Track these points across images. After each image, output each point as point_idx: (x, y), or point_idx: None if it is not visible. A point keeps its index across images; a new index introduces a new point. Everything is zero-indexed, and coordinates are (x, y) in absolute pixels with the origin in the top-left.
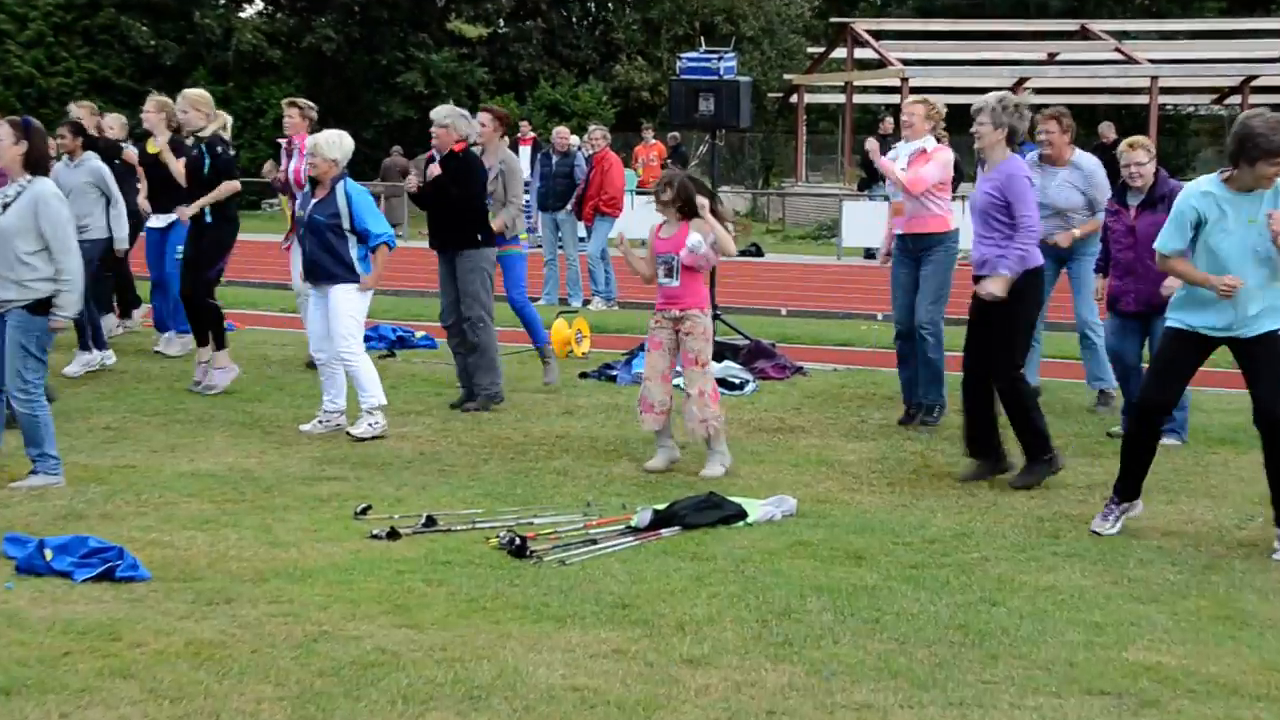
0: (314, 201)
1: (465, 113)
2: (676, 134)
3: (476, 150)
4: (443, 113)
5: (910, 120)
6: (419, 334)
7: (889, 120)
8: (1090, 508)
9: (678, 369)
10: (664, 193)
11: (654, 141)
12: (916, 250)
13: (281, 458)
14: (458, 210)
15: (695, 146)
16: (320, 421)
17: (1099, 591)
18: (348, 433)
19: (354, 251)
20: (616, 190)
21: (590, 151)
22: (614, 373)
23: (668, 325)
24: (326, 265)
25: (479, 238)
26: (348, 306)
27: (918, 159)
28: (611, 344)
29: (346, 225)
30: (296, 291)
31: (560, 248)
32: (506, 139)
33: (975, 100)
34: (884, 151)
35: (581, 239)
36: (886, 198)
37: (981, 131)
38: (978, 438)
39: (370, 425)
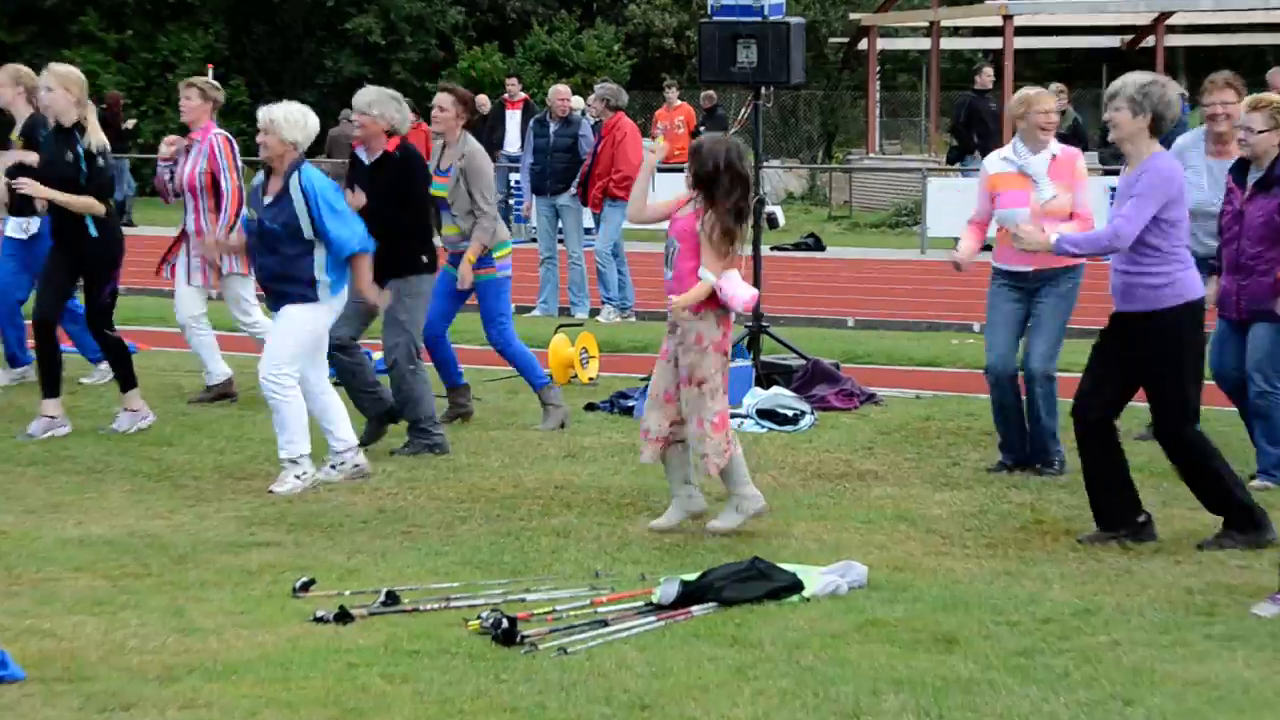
0: (266, 201)
1: (396, 95)
2: (711, 93)
3: (437, 143)
4: (366, 98)
5: (1045, 122)
6: (376, 356)
7: (988, 72)
8: (1256, 578)
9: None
10: (691, 160)
11: (680, 104)
12: (1035, 281)
13: (198, 518)
14: (395, 231)
15: (735, 110)
16: (333, 466)
17: (1268, 686)
18: (269, 490)
19: (320, 264)
20: (633, 168)
21: (598, 118)
22: (630, 403)
23: (673, 332)
24: (282, 287)
25: (423, 260)
26: (295, 327)
27: (1059, 174)
28: (626, 366)
29: (308, 232)
30: (181, 324)
31: (560, 242)
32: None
33: (1113, 84)
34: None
35: (588, 230)
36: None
37: (1118, 120)
38: (1108, 505)
39: (299, 478)
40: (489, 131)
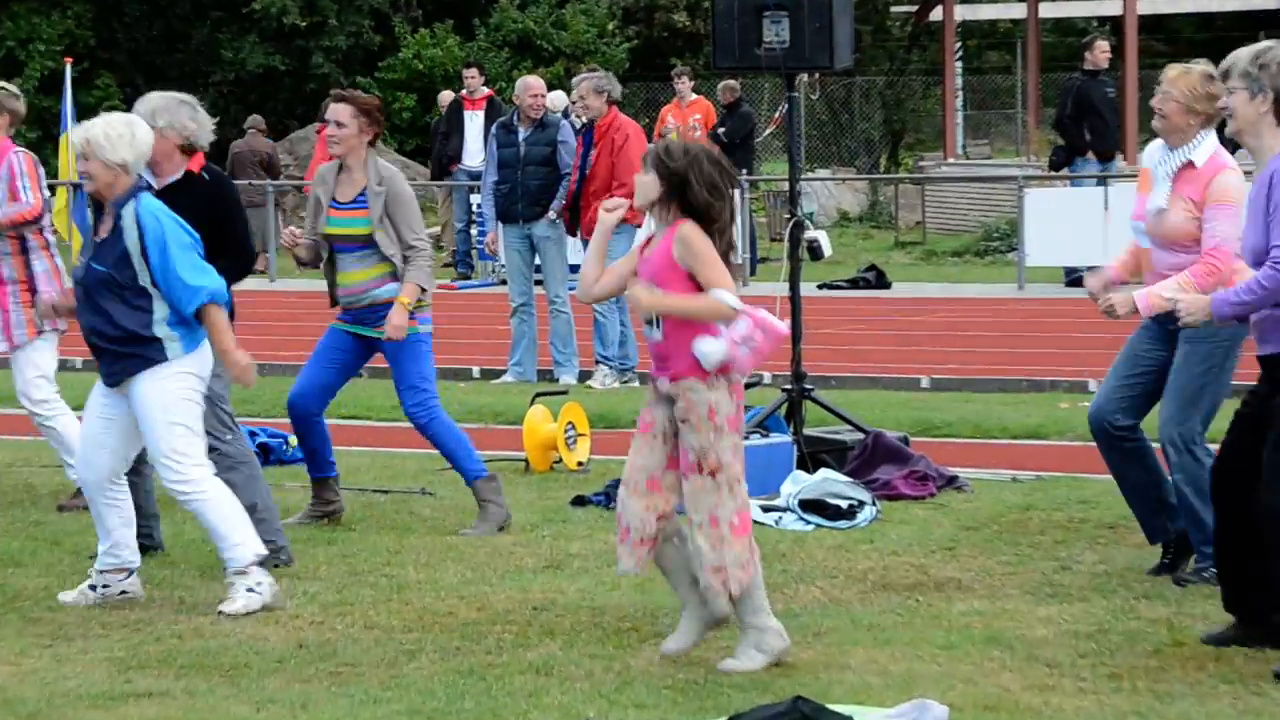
0: (97, 241)
1: (189, 100)
2: (733, 83)
3: (330, 165)
4: (149, 106)
5: (1165, 108)
6: (293, 439)
7: (1102, 46)
8: None
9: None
10: (645, 168)
11: (696, 98)
12: (1170, 321)
13: (56, 663)
14: None
15: (769, 105)
16: (92, 586)
17: None
18: (220, 611)
19: (160, 319)
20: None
21: (589, 117)
22: None
23: (661, 401)
24: (118, 349)
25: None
26: (158, 408)
27: (1184, 184)
28: (626, 446)
29: (143, 277)
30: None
31: (538, 284)
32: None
33: (1226, 59)
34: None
35: (575, 268)
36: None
37: (1233, 106)
38: (1242, 591)
39: (253, 591)
40: (442, 140)
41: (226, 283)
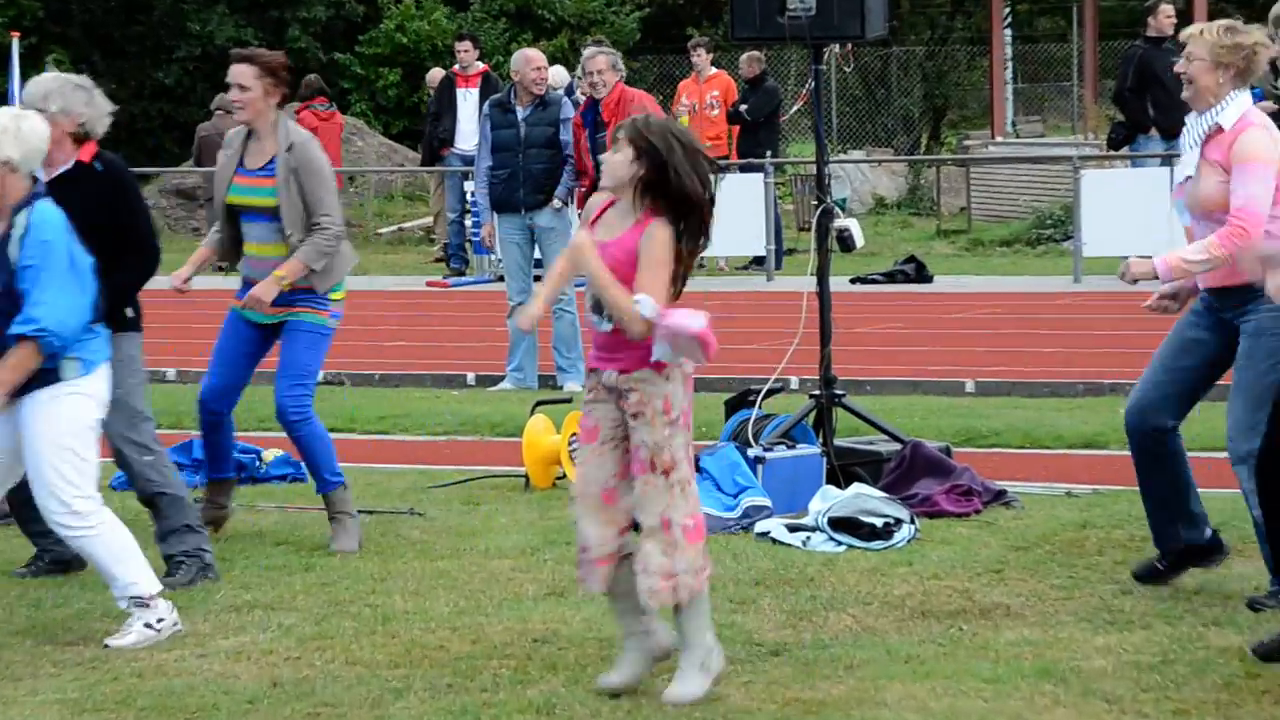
0: None
1: (84, 83)
2: (757, 54)
3: (238, 130)
4: (40, 90)
5: (1191, 70)
6: (267, 454)
7: (1167, 10)
8: None
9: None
10: (616, 145)
11: (716, 72)
12: (1227, 309)
13: (2, 706)
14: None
15: (795, 80)
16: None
17: None
18: (105, 644)
19: None
20: None
21: (600, 95)
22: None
23: (605, 399)
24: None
25: (129, 314)
26: (59, 426)
27: (1213, 149)
28: None
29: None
30: None
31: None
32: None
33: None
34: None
35: None
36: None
37: None
38: None
39: (150, 628)
40: (433, 121)
41: (131, 283)
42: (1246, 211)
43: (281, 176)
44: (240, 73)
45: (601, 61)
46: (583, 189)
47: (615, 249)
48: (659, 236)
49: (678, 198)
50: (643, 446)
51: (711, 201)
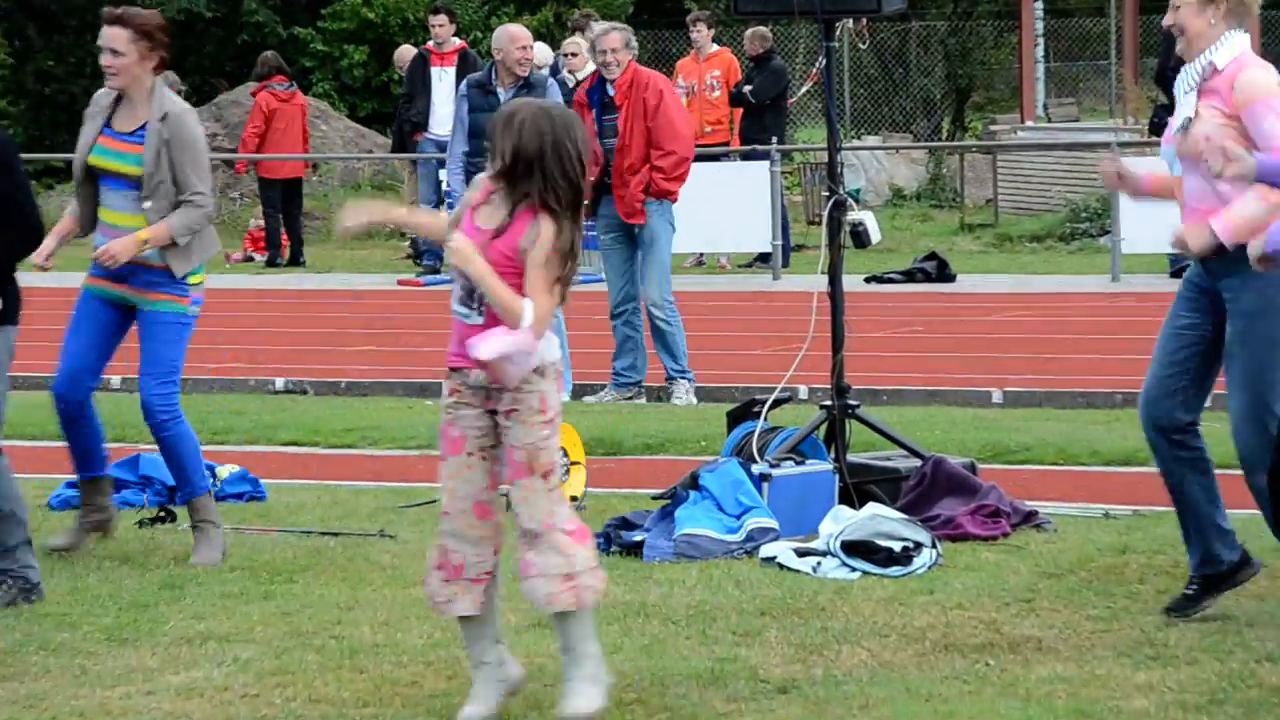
0: None
1: None
2: (763, 30)
3: (106, 92)
4: None
5: (1180, 18)
6: (222, 470)
7: None
8: None
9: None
10: (502, 134)
11: (717, 49)
12: (1221, 278)
13: None
14: None
15: (804, 58)
16: None
17: None
18: None
19: None
20: (686, 142)
21: (612, 75)
22: (637, 536)
23: (470, 402)
24: None
25: None
26: None
27: (1209, 91)
28: (633, 474)
29: None
30: None
31: None
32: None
33: None
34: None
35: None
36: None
37: None
38: None
39: None
40: (404, 103)
41: (8, 260)
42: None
43: (151, 146)
44: (113, 36)
45: (615, 39)
46: (590, 179)
47: (500, 241)
48: (550, 234)
49: (551, 193)
50: (519, 449)
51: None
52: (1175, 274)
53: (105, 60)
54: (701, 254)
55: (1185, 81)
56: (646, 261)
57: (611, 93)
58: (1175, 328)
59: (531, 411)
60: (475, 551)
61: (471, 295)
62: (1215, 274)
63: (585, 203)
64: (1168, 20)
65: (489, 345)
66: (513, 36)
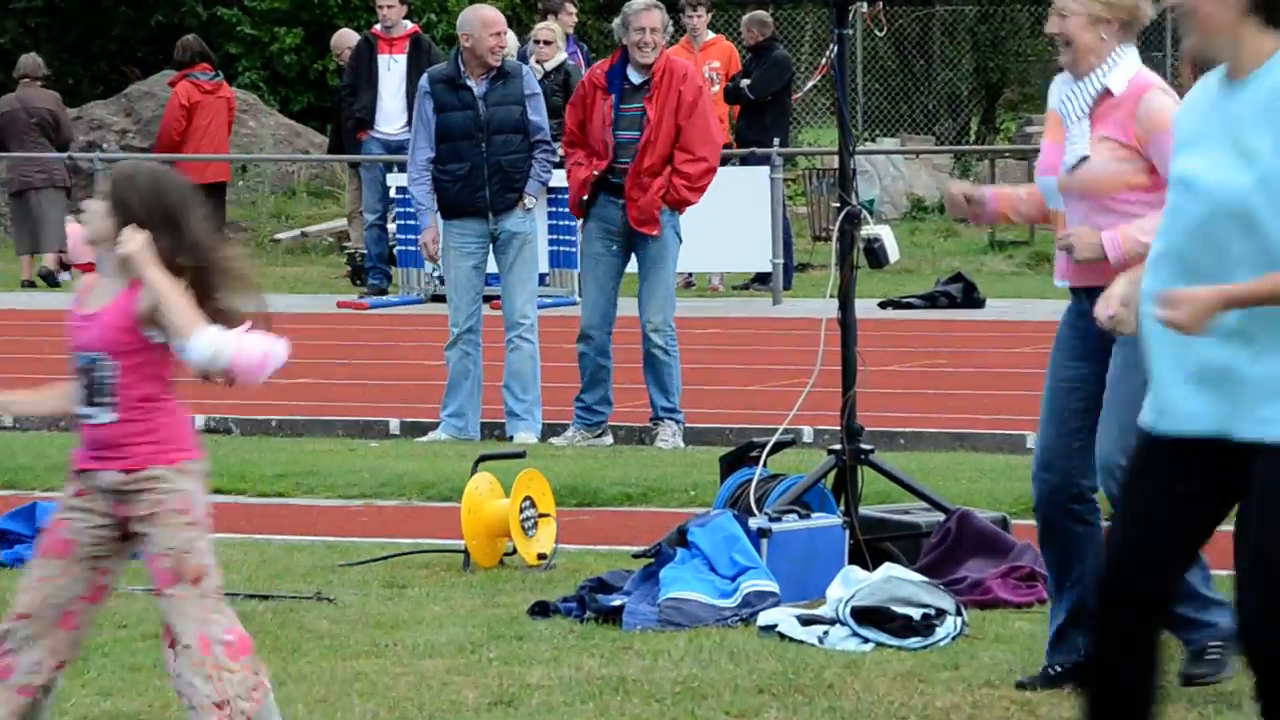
0: None
1: None
2: (762, 15)
3: None
4: None
5: (1066, 28)
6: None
7: None
8: None
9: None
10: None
11: (714, 38)
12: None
13: None
14: None
15: (810, 48)
16: None
17: None
18: None
19: None
20: (715, 151)
21: (647, 59)
22: (615, 600)
23: (93, 506)
24: None
25: None
26: None
27: (1104, 119)
28: (609, 528)
29: None
30: None
31: (489, 300)
32: None
33: None
34: None
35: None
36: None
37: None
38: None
39: None
40: (347, 97)
41: None
42: None
43: None
44: None
45: (655, 18)
46: (595, 173)
47: (107, 314)
48: (164, 287)
49: (170, 263)
50: (164, 554)
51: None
52: None
53: None
54: (690, 274)
55: (1074, 105)
56: (650, 278)
57: (638, 80)
58: (1062, 380)
59: (172, 514)
60: (34, 660)
61: (97, 391)
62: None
63: (583, 200)
64: (1052, 27)
65: (206, 350)
66: (485, 21)
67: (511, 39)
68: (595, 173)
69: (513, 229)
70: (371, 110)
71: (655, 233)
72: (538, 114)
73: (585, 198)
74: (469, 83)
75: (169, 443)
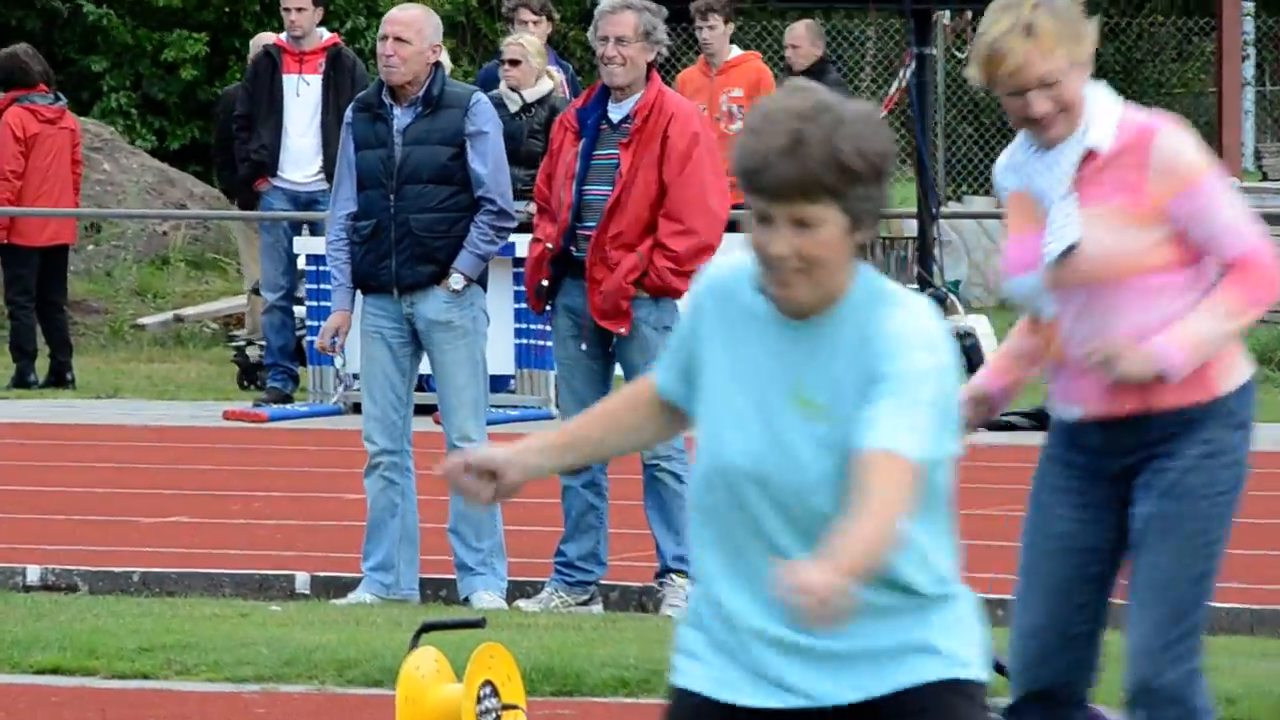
0: None
1: None
2: (813, 27)
3: None
4: None
5: (1064, 96)
6: None
7: None
8: None
9: None
10: None
11: (740, 55)
12: (1128, 451)
13: None
14: None
15: (873, 72)
16: None
17: None
18: None
19: None
20: (713, 224)
21: (617, 81)
22: None
23: None
24: None
25: None
26: None
27: (1095, 184)
28: None
29: None
30: None
31: (426, 411)
32: None
33: None
34: None
35: (504, 381)
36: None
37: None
38: None
39: None
40: (240, 131)
41: None
42: (1254, 250)
43: None
44: None
45: (626, 21)
46: (548, 247)
47: None
48: None
49: None
50: None
51: None
52: None
53: None
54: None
55: (1054, 181)
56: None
57: (618, 116)
58: (1055, 545)
59: None
60: None
61: None
62: (1132, 442)
63: (541, 286)
64: (1042, 108)
65: None
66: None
67: (445, 59)
68: (549, 246)
69: (431, 316)
70: (275, 149)
71: (623, 330)
72: (481, 161)
73: (544, 282)
74: (392, 110)
75: None
